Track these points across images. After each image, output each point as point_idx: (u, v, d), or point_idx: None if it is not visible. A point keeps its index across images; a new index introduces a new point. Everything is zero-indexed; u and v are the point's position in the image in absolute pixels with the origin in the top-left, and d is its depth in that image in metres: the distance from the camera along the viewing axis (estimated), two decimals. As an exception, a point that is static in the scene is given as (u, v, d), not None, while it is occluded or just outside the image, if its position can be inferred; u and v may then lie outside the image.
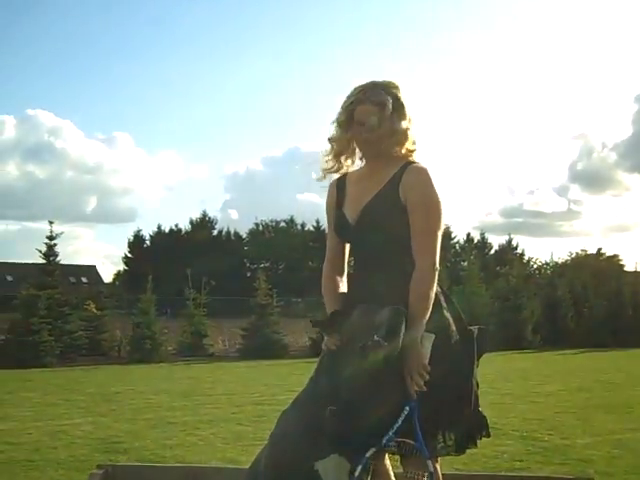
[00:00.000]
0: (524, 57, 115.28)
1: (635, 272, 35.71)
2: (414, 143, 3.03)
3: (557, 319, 29.29)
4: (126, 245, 72.35)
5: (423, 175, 2.90)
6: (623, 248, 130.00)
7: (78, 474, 7.10)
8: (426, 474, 2.59)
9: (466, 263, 36.40)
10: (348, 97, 3.04)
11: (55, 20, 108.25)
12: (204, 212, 74.89)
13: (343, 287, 3.03)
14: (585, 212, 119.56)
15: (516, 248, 56.21)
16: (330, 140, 3.09)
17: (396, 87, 3.02)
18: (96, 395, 13.60)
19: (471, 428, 2.84)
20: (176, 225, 73.72)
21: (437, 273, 2.82)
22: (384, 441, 2.60)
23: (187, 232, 72.70)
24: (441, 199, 2.89)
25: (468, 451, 8.62)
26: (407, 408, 2.64)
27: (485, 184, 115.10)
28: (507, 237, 58.87)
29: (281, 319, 25.34)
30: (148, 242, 72.95)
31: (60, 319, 22.67)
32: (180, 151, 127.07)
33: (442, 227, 2.89)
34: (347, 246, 3.10)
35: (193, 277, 26.05)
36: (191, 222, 73.40)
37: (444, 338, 2.80)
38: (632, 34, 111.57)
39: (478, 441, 2.88)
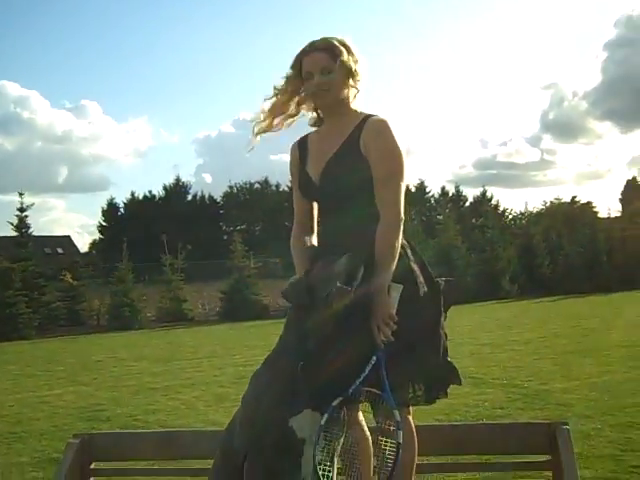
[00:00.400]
0: (493, 6, 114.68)
1: (608, 218, 36.16)
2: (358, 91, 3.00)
3: (533, 268, 29.56)
4: (100, 214, 71.97)
5: (383, 127, 2.87)
6: (596, 195, 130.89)
7: (62, 444, 6.99)
8: (393, 423, 2.59)
9: (441, 216, 36.54)
10: (295, 55, 3.02)
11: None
12: (177, 177, 74.39)
13: (313, 242, 3.03)
14: (558, 161, 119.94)
15: (491, 200, 56.40)
16: (273, 94, 3.04)
17: (341, 37, 3.01)
18: (77, 365, 13.59)
19: (441, 377, 2.84)
20: (150, 192, 73.28)
21: (402, 223, 2.80)
22: (350, 390, 2.60)
23: (161, 198, 72.22)
24: (402, 150, 2.87)
25: (449, 401, 8.69)
26: (374, 358, 2.64)
27: (458, 137, 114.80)
28: (481, 189, 59.00)
29: (260, 280, 25.32)
30: (122, 210, 72.46)
31: (36, 291, 22.56)
32: (150, 117, 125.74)
33: (405, 177, 2.87)
34: (315, 206, 3.08)
35: (169, 243, 25.95)
36: (165, 188, 72.97)
37: (411, 288, 2.79)
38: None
39: (448, 390, 2.88)
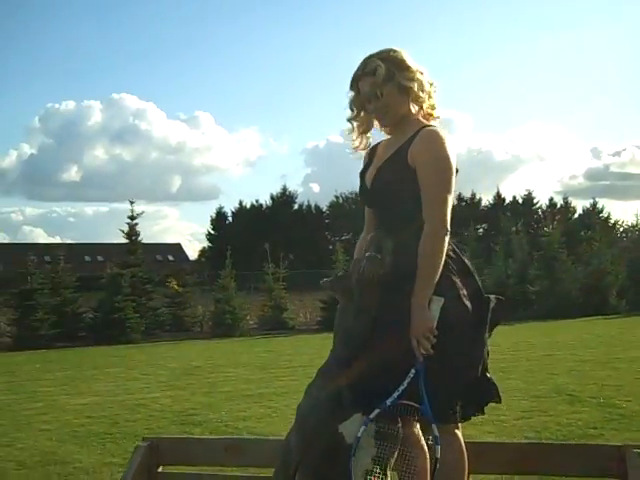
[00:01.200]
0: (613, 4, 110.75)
1: None
2: (433, 107, 3.02)
3: (644, 283, 28.43)
4: (209, 222, 73.66)
5: (434, 137, 2.85)
6: None
7: (152, 446, 7.32)
8: (430, 437, 2.56)
9: (547, 229, 35.67)
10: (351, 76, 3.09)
11: (131, 7, 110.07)
12: (284, 187, 75.40)
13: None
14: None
15: (601, 212, 54.63)
16: (348, 120, 3.14)
17: (394, 51, 3.01)
18: (177, 369, 13.95)
19: (478, 395, 2.79)
20: (257, 201, 74.55)
21: (447, 235, 2.77)
22: (388, 403, 2.59)
23: (268, 207, 73.35)
24: (452, 162, 2.85)
25: (541, 418, 8.52)
26: (413, 371, 2.62)
27: (568, 146, 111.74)
28: (592, 201, 57.09)
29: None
30: (230, 218, 73.95)
31: (144, 296, 23.35)
32: (261, 128, 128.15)
33: (452, 190, 2.84)
34: None
35: (273, 252, 26.29)
36: (272, 197, 74.12)
37: (454, 302, 2.76)
38: None
39: (485, 408, 2.82)
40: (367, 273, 2.65)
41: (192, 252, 76.48)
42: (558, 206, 64.07)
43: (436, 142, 2.85)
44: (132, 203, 24.33)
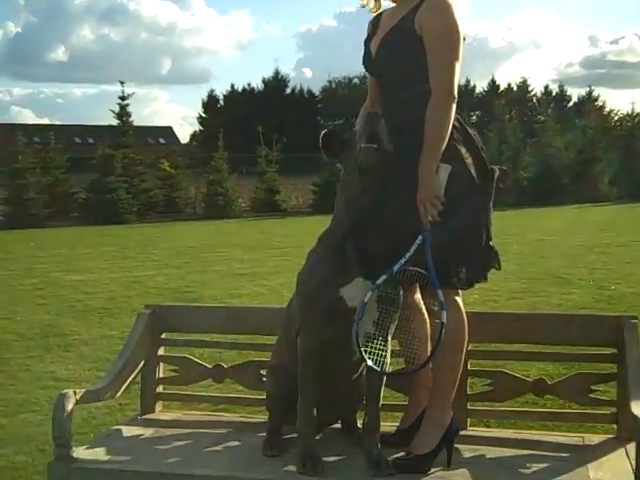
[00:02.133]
0: None
1: None
2: None
3: (635, 171, 28.39)
4: (200, 106, 72.59)
5: (441, 4, 2.76)
6: None
7: (149, 321, 7.44)
8: (436, 303, 2.58)
9: (542, 116, 35.34)
10: None
11: None
12: (277, 71, 74.01)
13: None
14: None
15: (596, 100, 53.92)
16: None
17: None
18: (170, 249, 14.05)
19: (482, 261, 2.81)
20: (249, 84, 73.23)
21: (454, 102, 2.72)
22: (395, 269, 2.60)
23: (260, 91, 72.16)
24: (460, 29, 2.77)
25: (532, 299, 8.62)
26: (420, 238, 2.62)
27: (565, 34, 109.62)
28: (587, 89, 56.19)
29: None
30: (222, 102, 72.85)
31: (136, 177, 23.27)
32: (253, 10, 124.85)
33: (459, 57, 2.77)
34: None
35: (265, 136, 26.03)
36: (264, 81, 72.79)
37: (460, 170, 2.73)
38: None
39: (487, 274, 2.84)
40: (363, 165, 2.58)
41: (183, 136, 75.92)
42: (553, 94, 63.27)
43: (444, 9, 2.76)
44: (122, 84, 23.94)
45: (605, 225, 17.45)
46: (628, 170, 27.88)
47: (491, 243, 2.81)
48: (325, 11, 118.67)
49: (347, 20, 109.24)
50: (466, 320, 2.76)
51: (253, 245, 14.51)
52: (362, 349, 2.55)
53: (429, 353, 2.59)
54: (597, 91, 59.39)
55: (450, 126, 2.70)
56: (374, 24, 3.04)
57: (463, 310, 2.76)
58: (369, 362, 2.56)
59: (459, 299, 2.75)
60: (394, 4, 2.99)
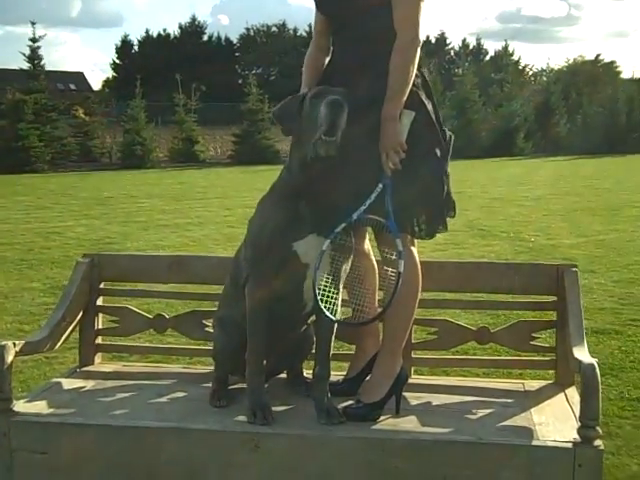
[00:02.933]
0: None
1: (632, 79, 35.22)
2: None
3: (550, 126, 29.13)
4: (114, 51, 70.60)
5: None
6: (621, 55, 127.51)
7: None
8: (394, 253, 2.56)
9: (460, 70, 35.68)
10: None
11: None
12: (193, 16, 72.47)
13: (323, 63, 2.91)
14: (585, 17, 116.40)
15: (512, 54, 54.81)
16: None
17: None
18: (89, 199, 13.71)
19: (442, 210, 2.80)
20: (164, 30, 71.46)
21: (419, 46, 2.68)
22: (354, 216, 2.56)
23: (176, 37, 70.46)
24: None
25: (455, 250, 8.78)
26: (380, 185, 2.59)
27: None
28: (504, 43, 57.08)
29: (273, 126, 25.08)
30: (136, 48, 70.95)
31: (48, 124, 22.43)
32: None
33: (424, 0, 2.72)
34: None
35: (183, 84, 25.50)
36: (180, 27, 71.02)
37: (422, 117, 2.70)
38: None
39: (447, 224, 2.84)
40: (321, 154, 2.48)
41: (95, 82, 73.77)
42: (470, 47, 63.95)
43: None
44: (33, 24, 22.97)
45: (522, 179, 17.86)
46: (542, 125, 28.56)
47: (451, 194, 2.80)
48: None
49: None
50: (420, 269, 2.76)
51: (174, 196, 14.28)
52: (319, 298, 2.52)
53: (386, 302, 2.57)
54: (512, 45, 60.59)
55: (415, 70, 2.66)
56: None
57: (418, 260, 2.75)
58: (326, 312, 2.53)
59: (414, 249, 2.74)
60: None
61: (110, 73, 71.26)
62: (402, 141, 2.59)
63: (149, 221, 10.85)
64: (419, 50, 2.67)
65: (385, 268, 2.63)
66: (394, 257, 2.54)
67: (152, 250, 8.44)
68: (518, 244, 8.81)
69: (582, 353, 2.56)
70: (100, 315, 3.22)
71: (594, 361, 2.39)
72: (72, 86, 62.68)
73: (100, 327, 3.22)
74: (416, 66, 2.66)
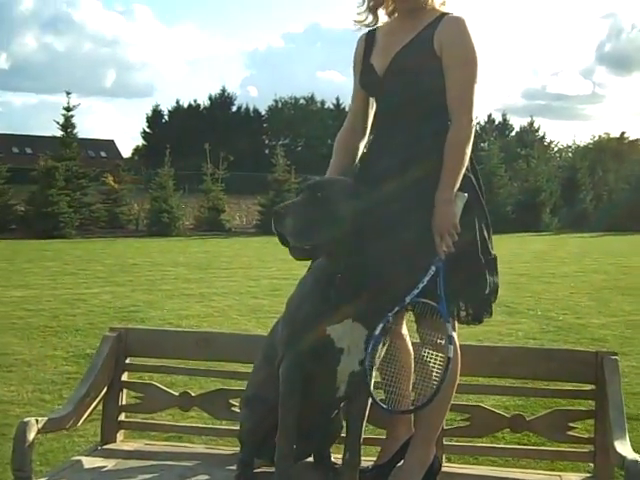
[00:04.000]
0: None
1: (658, 157, 35.28)
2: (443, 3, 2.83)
3: (576, 202, 29.07)
4: (144, 120, 71.95)
5: (461, 25, 2.70)
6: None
7: (96, 340, 7.10)
8: (444, 337, 2.50)
9: (486, 144, 35.91)
10: None
11: None
12: (223, 88, 73.92)
13: (359, 147, 2.89)
14: (609, 95, 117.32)
15: (537, 130, 55.23)
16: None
17: None
18: (114, 266, 13.76)
19: (489, 294, 2.74)
20: (195, 101, 72.89)
21: (474, 129, 2.67)
22: (407, 299, 2.51)
23: (206, 108, 71.83)
24: (478, 52, 2.71)
25: (482, 328, 8.59)
26: (433, 268, 2.54)
27: (508, 64, 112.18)
28: (529, 119, 57.61)
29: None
30: (167, 117, 72.31)
31: (78, 191, 22.82)
32: (200, 26, 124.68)
33: (479, 81, 2.72)
34: (372, 107, 2.92)
35: (211, 153, 25.83)
36: (210, 98, 72.47)
37: (474, 201, 2.67)
38: None
39: (492, 309, 2.78)
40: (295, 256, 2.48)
41: (125, 150, 75.07)
42: (496, 122, 64.57)
43: (465, 31, 2.69)
44: (68, 94, 23.51)
45: (548, 255, 17.73)
46: (568, 200, 28.52)
47: (497, 277, 2.75)
48: (273, 31, 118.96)
49: (294, 40, 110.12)
50: (460, 356, 2.69)
51: (199, 264, 14.31)
52: (371, 386, 2.47)
53: (435, 388, 2.48)
54: (537, 121, 61.25)
55: (469, 155, 2.64)
56: (369, 40, 2.91)
57: (458, 345, 2.69)
58: (380, 403, 2.48)
59: (455, 334, 2.68)
60: (389, 18, 2.89)
61: (140, 141, 72.54)
62: (457, 223, 2.56)
63: (174, 289, 10.84)
64: (473, 131, 2.66)
65: (426, 352, 2.57)
66: (442, 342, 2.48)
67: (176, 319, 8.41)
68: (546, 322, 8.68)
69: (624, 447, 2.45)
70: (124, 391, 3.15)
71: (639, 457, 2.29)
72: (103, 153, 63.84)
73: (124, 403, 3.15)
74: (470, 148, 2.65)
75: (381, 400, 2.65)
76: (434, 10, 2.77)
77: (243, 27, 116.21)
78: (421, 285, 2.52)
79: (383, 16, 2.95)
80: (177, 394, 3.14)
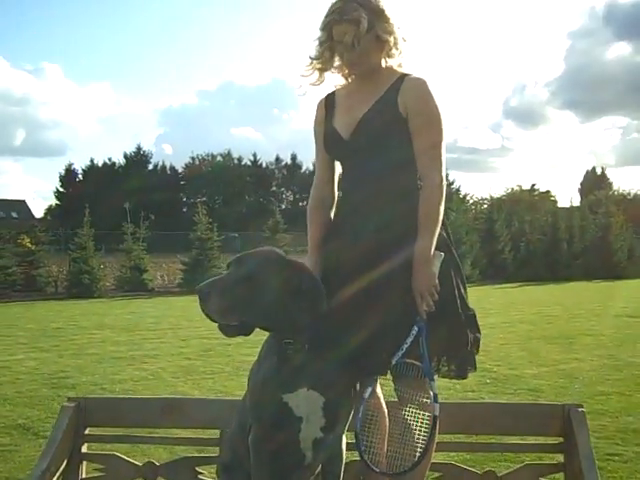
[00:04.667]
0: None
1: (570, 208, 36.54)
2: (400, 66, 2.88)
3: (495, 253, 29.76)
4: (58, 179, 70.75)
5: (423, 86, 2.77)
6: (555, 184, 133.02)
7: (27, 410, 6.92)
8: (427, 396, 2.50)
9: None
10: (325, 17, 2.86)
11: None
12: (138, 146, 73.40)
13: (331, 215, 2.89)
14: (517, 148, 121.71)
15: (452, 183, 56.73)
16: (312, 59, 2.93)
17: (377, 2, 2.83)
18: (36, 331, 13.31)
19: (472, 349, 2.77)
20: (109, 159, 72.24)
21: (445, 188, 2.72)
22: (393, 362, 2.50)
23: (121, 166, 71.20)
24: (441, 110, 2.78)
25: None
26: (416, 328, 2.54)
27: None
28: (444, 172, 59.03)
29: (222, 255, 25.05)
30: (81, 176, 71.29)
31: (-8, 254, 22.10)
32: (113, 84, 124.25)
33: (445, 138, 2.78)
34: (337, 170, 2.94)
35: (130, 212, 25.53)
36: (125, 156, 71.95)
37: (450, 259, 2.71)
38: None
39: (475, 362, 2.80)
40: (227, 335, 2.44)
41: (38, 210, 73.51)
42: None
43: (428, 93, 2.76)
44: (-23, 154, 22.91)
45: (474, 306, 17.93)
46: (488, 252, 29.16)
47: (478, 330, 2.78)
48: (186, 88, 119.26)
49: (208, 97, 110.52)
50: None
51: (126, 326, 13.97)
52: (363, 450, 2.43)
53: (424, 447, 2.46)
54: (451, 175, 62.91)
55: (442, 214, 2.68)
56: (327, 105, 2.94)
57: None
58: (369, 464, 2.44)
59: None
60: (347, 81, 2.93)
61: (53, 201, 71.18)
62: (436, 283, 2.58)
63: (102, 353, 10.53)
64: (444, 191, 2.70)
65: (409, 410, 2.56)
66: (427, 400, 2.48)
67: (109, 384, 8.15)
68: (481, 374, 8.72)
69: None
70: (84, 463, 3.03)
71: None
72: (14, 214, 62.40)
73: (84, 476, 3.02)
74: (444, 207, 2.69)
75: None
76: (392, 70, 2.82)
77: (156, 85, 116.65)
78: (405, 346, 2.52)
79: (330, 77, 2.99)
80: (141, 464, 3.04)
